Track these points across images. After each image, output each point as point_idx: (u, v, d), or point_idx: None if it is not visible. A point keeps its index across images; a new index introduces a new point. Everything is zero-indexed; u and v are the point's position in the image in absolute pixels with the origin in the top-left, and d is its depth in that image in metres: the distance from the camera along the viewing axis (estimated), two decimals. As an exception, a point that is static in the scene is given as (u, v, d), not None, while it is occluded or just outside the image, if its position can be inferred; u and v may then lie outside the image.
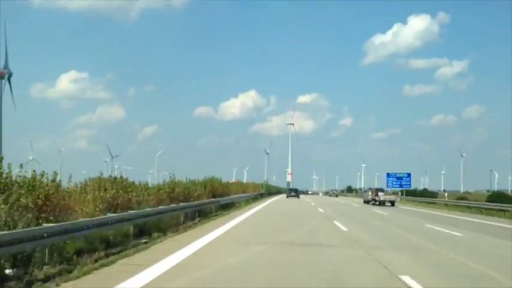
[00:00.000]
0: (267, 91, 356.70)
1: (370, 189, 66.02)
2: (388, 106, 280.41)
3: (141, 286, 10.96)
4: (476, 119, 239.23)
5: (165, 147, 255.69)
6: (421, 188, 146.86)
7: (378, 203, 60.88)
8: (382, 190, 64.96)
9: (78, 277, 11.90)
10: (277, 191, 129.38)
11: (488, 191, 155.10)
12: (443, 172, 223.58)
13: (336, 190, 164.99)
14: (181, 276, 12.03)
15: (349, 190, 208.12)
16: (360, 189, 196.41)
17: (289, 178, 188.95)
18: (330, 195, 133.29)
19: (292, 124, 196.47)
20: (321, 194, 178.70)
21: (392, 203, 60.49)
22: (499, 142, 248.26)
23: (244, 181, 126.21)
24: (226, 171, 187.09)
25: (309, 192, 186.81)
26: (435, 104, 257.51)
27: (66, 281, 11.50)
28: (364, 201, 67.41)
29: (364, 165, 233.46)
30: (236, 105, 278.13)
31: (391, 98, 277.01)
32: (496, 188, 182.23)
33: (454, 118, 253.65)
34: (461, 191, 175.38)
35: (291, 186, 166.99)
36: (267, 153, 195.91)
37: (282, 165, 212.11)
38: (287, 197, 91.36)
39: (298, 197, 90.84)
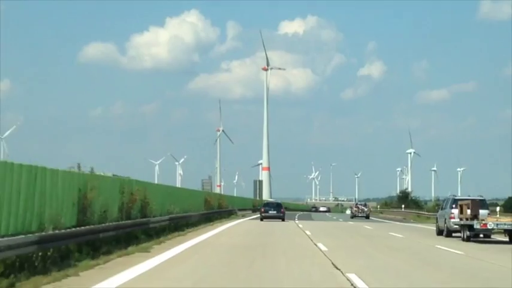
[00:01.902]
0: (220, 13, 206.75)
1: (456, 200, 33.92)
2: (451, 41, 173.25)
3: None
4: None
5: (24, 122, 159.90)
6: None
7: (482, 235, 31.82)
8: (484, 204, 33.62)
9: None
10: (219, 209, 57.12)
11: None
12: None
13: (362, 204, 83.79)
14: None
15: (404, 200, 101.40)
16: (412, 198, 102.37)
17: (264, 176, 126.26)
18: (353, 215, 75.00)
19: (269, 69, 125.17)
20: (348, 211, 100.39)
21: None
22: None
23: (178, 184, 77.33)
24: (144, 165, 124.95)
25: (321, 209, 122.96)
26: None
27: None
28: (440, 231, 36.35)
29: (412, 151, 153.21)
30: (162, 41, 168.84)
31: (457, 25, 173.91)
32: None
33: None
34: None
35: (269, 195, 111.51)
36: (222, 131, 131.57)
37: (251, 155, 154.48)
38: (261, 219, 53.38)
39: (283, 219, 53.48)
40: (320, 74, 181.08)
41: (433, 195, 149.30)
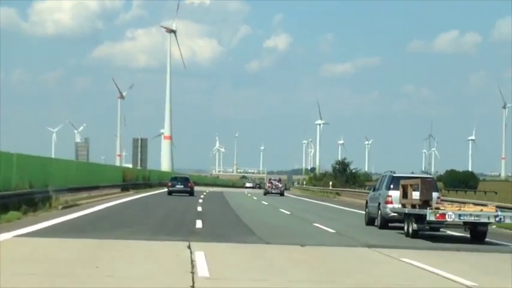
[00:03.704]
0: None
1: (395, 179, 26.74)
2: (357, 14, 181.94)
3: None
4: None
5: None
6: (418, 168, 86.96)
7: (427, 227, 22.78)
8: (434, 185, 26.07)
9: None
10: None
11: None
12: (472, 138, 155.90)
13: (276, 179, 74.36)
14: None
15: (342, 173, 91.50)
16: (352, 172, 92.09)
17: (165, 146, 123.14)
18: (266, 192, 68.83)
19: (173, 32, 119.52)
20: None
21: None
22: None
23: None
24: (40, 134, 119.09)
25: (247, 185, 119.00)
26: (444, 10, 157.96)
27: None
28: (370, 220, 28.45)
29: (321, 122, 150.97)
30: (65, 7, 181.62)
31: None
32: None
33: (477, 37, 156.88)
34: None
35: (170, 167, 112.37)
36: (122, 98, 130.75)
37: (155, 125, 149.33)
38: (169, 193, 53.19)
39: (192, 194, 53.14)
40: (226, 45, 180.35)
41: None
